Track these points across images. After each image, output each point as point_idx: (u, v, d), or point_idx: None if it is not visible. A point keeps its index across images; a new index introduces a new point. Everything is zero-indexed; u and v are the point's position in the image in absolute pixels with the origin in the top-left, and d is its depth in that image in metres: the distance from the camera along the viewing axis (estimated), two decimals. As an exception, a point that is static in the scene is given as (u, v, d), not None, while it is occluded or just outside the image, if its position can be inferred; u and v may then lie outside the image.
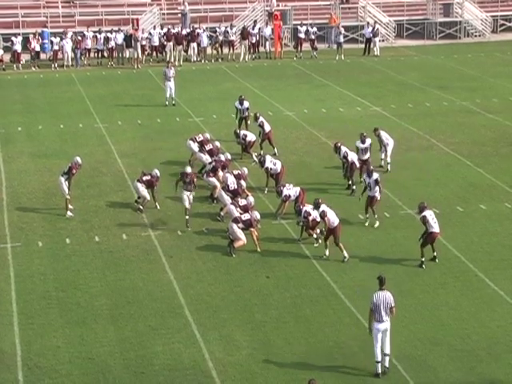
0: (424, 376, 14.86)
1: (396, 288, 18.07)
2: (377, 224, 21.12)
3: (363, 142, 23.69)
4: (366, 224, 21.14)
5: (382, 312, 14.58)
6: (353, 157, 23.53)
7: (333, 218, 19.25)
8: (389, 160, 25.40)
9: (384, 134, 25.27)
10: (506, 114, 31.82)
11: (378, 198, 21.16)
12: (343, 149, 23.59)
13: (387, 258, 19.48)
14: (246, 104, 28.12)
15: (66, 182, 21.95)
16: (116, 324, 16.69)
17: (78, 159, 22.34)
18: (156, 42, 43.39)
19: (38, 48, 41.72)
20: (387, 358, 14.82)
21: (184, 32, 43.31)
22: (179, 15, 46.38)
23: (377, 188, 20.99)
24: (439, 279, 18.54)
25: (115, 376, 14.94)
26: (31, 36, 41.54)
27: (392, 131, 26.34)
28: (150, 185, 22.32)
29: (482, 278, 18.50)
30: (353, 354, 15.58)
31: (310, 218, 19.73)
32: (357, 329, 16.39)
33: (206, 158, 24.37)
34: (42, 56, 42.54)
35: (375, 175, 21.15)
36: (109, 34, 42.50)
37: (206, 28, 44.05)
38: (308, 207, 20.02)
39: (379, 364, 14.71)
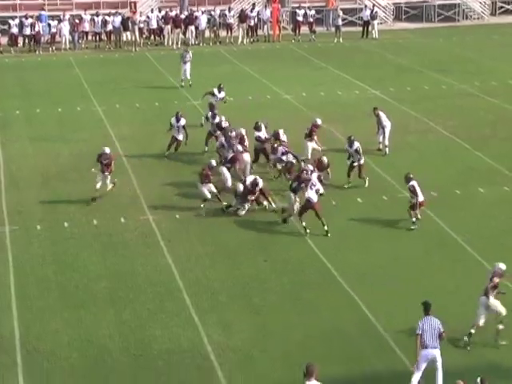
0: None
1: (394, 273, 18.15)
2: (367, 184, 22.40)
3: (351, 145, 22.43)
4: (346, 186, 22.26)
5: (427, 338, 13.71)
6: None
7: (310, 195, 19.65)
8: (387, 143, 25.32)
9: (383, 115, 25.18)
10: (505, 97, 31.68)
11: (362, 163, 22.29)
12: (356, 143, 22.47)
13: (385, 242, 19.45)
14: (183, 121, 24.75)
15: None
16: (115, 307, 16.68)
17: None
18: (154, 25, 43.13)
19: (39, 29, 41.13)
20: None
21: (182, 15, 43.10)
22: (177, -2, 46.13)
23: (357, 156, 22.10)
24: (438, 264, 18.51)
25: (114, 359, 14.94)
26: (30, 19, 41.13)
27: (390, 114, 26.20)
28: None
29: (481, 262, 18.47)
30: (352, 338, 15.58)
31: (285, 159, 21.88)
32: (356, 313, 16.39)
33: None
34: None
35: (356, 144, 22.15)
36: (106, 17, 42.24)
37: (205, 11, 43.78)
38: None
39: None
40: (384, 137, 25.30)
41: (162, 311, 16.52)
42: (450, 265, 18.46)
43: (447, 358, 14.05)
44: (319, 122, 24.60)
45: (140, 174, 23.92)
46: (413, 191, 19.97)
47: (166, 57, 39.96)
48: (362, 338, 15.54)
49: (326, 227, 19.52)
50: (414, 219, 19.94)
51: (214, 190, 21.20)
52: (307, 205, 19.60)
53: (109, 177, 21.63)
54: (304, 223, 19.67)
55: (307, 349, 15.19)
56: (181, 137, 24.87)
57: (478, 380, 12.38)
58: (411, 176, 20.15)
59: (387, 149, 25.29)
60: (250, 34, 43.96)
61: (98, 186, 21.47)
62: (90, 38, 43.08)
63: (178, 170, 24.22)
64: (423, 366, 13.75)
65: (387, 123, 25.20)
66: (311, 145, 24.07)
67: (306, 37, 43.90)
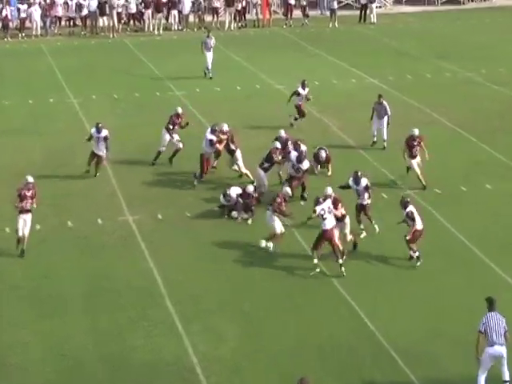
0: (425, 369, 14.88)
1: (395, 274, 18.19)
2: (377, 230, 19.85)
3: (357, 182, 19.83)
4: (362, 236, 19.62)
5: (493, 335, 13.89)
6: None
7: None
8: (385, 137, 25.34)
9: (387, 105, 25.24)
10: (514, 86, 31.79)
11: (369, 204, 19.77)
12: (364, 180, 19.89)
13: (385, 242, 19.46)
14: (105, 133, 23.26)
15: None
16: (91, 316, 16.64)
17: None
18: (133, 10, 43.09)
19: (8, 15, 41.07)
20: None
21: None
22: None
23: (366, 195, 19.65)
24: (442, 265, 18.55)
25: (91, 372, 14.90)
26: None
27: (390, 105, 26.22)
28: None
29: (488, 264, 18.52)
30: (349, 348, 15.57)
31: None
32: (354, 321, 16.40)
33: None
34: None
35: (364, 180, 19.68)
36: (81, 1, 42.13)
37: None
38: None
39: None
40: (383, 129, 25.31)
41: (142, 319, 16.48)
42: (454, 266, 18.49)
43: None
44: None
45: (118, 171, 23.88)
46: (411, 218, 18.29)
47: (146, 44, 39.95)
48: (360, 347, 15.54)
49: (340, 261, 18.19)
50: (417, 253, 18.36)
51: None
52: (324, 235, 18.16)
53: (30, 217, 18.98)
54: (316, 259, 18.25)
55: (301, 359, 15.18)
56: (101, 152, 23.19)
57: None
58: (408, 200, 18.62)
59: (385, 143, 25.34)
60: (237, 18, 43.96)
61: (20, 232, 18.85)
62: (63, 23, 43.04)
63: (161, 166, 24.17)
64: (489, 365, 13.93)
65: (388, 112, 25.23)
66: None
67: (298, 21, 43.92)
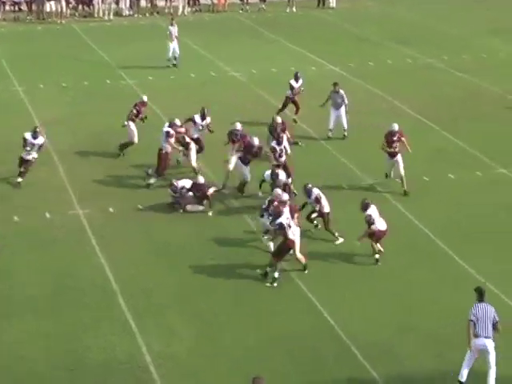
0: (388, 365, 14.95)
1: (358, 269, 18.22)
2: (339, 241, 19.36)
3: (309, 195, 19.48)
4: (337, 242, 19.25)
5: (479, 327, 13.89)
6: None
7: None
8: (346, 125, 25.38)
9: (343, 93, 25.22)
10: (478, 72, 32.07)
11: (327, 211, 19.27)
12: (315, 191, 19.62)
13: (349, 237, 19.40)
14: (41, 140, 22.07)
15: None
16: (41, 316, 16.44)
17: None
18: (82, -7, 42.71)
19: None
20: None
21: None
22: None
23: (318, 206, 19.22)
24: (406, 258, 18.64)
25: (43, 376, 14.71)
26: None
27: (351, 93, 26.32)
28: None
29: (452, 256, 18.66)
30: (310, 345, 15.58)
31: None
32: (315, 317, 16.41)
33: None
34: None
35: (315, 191, 19.32)
36: (27, -15, 41.69)
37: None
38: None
39: None
40: (342, 118, 25.32)
41: (94, 318, 16.35)
42: (419, 259, 18.59)
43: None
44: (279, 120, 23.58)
45: (68, 163, 23.65)
46: (369, 222, 18.11)
47: (96, 29, 39.62)
48: (321, 345, 15.55)
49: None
50: (377, 256, 18.30)
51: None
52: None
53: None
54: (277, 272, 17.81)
55: (260, 357, 15.16)
56: (30, 157, 22.04)
57: None
58: (368, 202, 18.35)
59: (346, 132, 25.40)
60: (191, 2, 43.78)
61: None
62: (7, 7, 42.43)
63: (112, 157, 23.97)
64: (473, 357, 13.96)
65: (346, 101, 25.25)
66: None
67: (255, 6, 43.86)
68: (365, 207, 18.30)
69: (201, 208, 20.81)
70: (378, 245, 18.48)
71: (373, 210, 18.30)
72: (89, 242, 19.32)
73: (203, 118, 23.37)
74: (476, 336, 13.95)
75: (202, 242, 19.39)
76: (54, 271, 18.08)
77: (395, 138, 21.73)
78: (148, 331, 15.91)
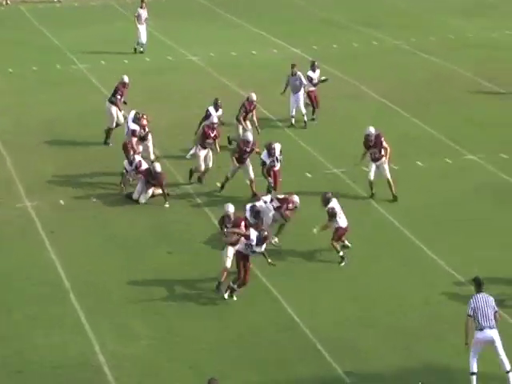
0: (352, 360, 14.99)
1: (322, 262, 18.24)
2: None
3: (270, 152, 20.49)
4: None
5: (482, 318, 13.96)
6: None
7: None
8: (304, 111, 25.28)
9: (301, 76, 25.14)
10: (445, 54, 32.22)
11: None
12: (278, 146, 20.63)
13: (310, 226, 19.38)
14: None
15: None
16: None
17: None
18: (29, -26, 42.28)
19: None
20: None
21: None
22: None
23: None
24: (371, 250, 18.69)
25: (-13, 378, 14.60)
26: None
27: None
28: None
29: (420, 246, 18.74)
30: (273, 341, 15.58)
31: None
32: (277, 313, 16.43)
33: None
34: None
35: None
36: (-31, -37, 41.14)
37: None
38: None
39: (474, 376, 14.03)
40: (300, 103, 25.17)
41: (44, 316, 16.23)
42: (385, 251, 18.65)
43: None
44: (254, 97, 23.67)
45: (15, 153, 23.49)
46: (332, 215, 17.95)
47: (44, 11, 39.30)
48: (284, 341, 15.55)
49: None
50: (341, 253, 18.05)
51: None
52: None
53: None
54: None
55: (221, 355, 15.13)
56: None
57: None
58: (330, 195, 18.11)
59: (305, 116, 25.31)
60: (146, -17, 43.50)
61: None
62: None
63: (63, 147, 23.79)
64: (479, 349, 14.04)
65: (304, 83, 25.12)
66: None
67: (213, -14, 43.72)
68: (326, 200, 18.14)
69: (150, 192, 20.66)
70: (346, 241, 18.45)
71: (335, 204, 18.18)
72: (38, 237, 19.20)
73: (217, 109, 23.10)
74: (479, 329, 14.01)
75: (159, 235, 19.32)
76: (0, 267, 17.91)
77: (371, 144, 20.78)
78: (102, 330, 15.82)
